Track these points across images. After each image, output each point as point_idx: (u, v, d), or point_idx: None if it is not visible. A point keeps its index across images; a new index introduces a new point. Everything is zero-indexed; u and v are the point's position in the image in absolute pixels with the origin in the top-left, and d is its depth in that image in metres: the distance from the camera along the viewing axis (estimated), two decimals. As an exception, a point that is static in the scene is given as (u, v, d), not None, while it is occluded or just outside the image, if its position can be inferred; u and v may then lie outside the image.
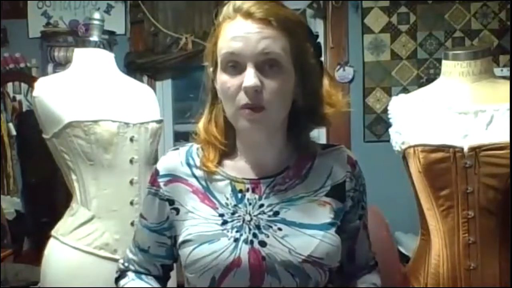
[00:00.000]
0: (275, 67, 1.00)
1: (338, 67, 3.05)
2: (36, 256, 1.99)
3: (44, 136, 1.71)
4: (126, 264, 1.20)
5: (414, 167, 1.44)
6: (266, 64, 0.99)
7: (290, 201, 1.05)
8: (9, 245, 3.00)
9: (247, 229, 1.02)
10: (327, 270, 1.03)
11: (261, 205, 1.05)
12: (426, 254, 1.47)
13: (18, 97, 3.38)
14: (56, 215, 1.79)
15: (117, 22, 3.22)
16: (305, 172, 1.09)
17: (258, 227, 1.02)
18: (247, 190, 1.06)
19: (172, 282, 1.25)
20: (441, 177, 1.39)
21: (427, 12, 2.99)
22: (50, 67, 3.23)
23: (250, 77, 0.97)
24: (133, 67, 3.08)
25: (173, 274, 1.25)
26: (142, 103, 1.85)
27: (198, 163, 1.10)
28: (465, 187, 1.38)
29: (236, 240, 1.01)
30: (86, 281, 1.64)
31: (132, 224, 1.69)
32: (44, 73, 3.13)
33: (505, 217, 1.38)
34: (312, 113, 1.08)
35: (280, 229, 1.02)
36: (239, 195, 1.06)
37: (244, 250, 1.00)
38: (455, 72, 1.50)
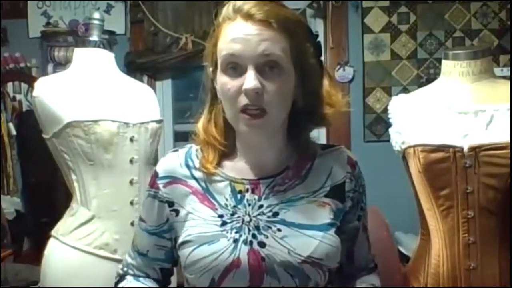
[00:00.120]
0: (275, 69, 0.99)
1: (338, 67, 3.05)
2: (36, 256, 1.99)
3: (44, 136, 1.71)
4: (125, 269, 1.19)
5: (414, 167, 1.44)
6: (266, 66, 0.99)
7: (289, 202, 1.05)
8: (9, 245, 3.00)
9: (246, 230, 1.02)
10: (327, 270, 1.02)
11: (261, 206, 1.05)
12: (426, 254, 1.47)
13: (18, 97, 3.38)
14: (56, 215, 1.79)
15: (117, 22, 3.22)
16: (304, 173, 1.09)
17: (257, 227, 1.02)
18: (247, 190, 1.06)
19: (172, 282, 1.24)
20: (441, 177, 1.39)
21: (427, 12, 2.99)
22: (50, 67, 3.23)
23: (250, 79, 0.97)
24: (133, 67, 3.08)
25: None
26: (142, 103, 1.85)
27: (197, 165, 1.09)
28: (465, 187, 1.38)
29: (236, 241, 1.01)
30: (86, 281, 1.64)
31: (132, 224, 1.69)
32: (44, 73, 3.13)
33: (505, 217, 1.38)
34: (312, 113, 1.08)
35: (279, 229, 1.02)
36: (239, 196, 1.06)
37: (243, 251, 1.00)
38: (455, 72, 1.50)
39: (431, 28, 2.99)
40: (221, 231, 1.02)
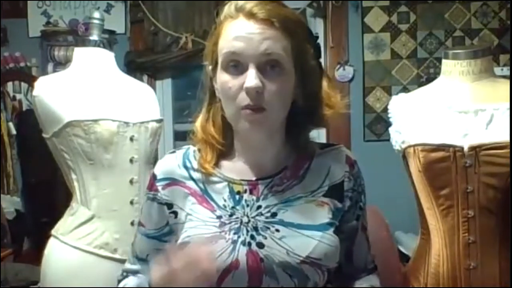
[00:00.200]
0: (276, 68, 1.00)
1: (338, 66, 3.05)
2: (36, 255, 1.99)
3: (44, 135, 1.71)
4: (124, 274, 1.18)
5: (414, 166, 1.44)
6: (267, 65, 0.99)
7: (287, 202, 1.05)
8: (9, 244, 3.00)
9: (244, 231, 1.02)
10: (326, 270, 1.02)
11: (259, 207, 1.05)
12: (426, 254, 1.47)
13: (18, 96, 3.38)
14: (56, 215, 1.79)
15: (117, 21, 3.22)
16: (302, 172, 1.09)
17: (255, 228, 1.02)
18: (245, 191, 1.06)
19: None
20: (441, 176, 1.39)
21: (427, 11, 2.99)
22: (50, 67, 3.23)
23: (252, 77, 0.97)
24: (133, 66, 3.08)
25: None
26: (142, 103, 1.85)
27: (195, 166, 1.09)
28: (465, 186, 1.38)
29: (234, 242, 1.01)
30: (86, 280, 1.64)
31: (132, 223, 1.69)
32: (44, 72, 3.12)
33: (505, 216, 1.38)
34: (311, 114, 1.08)
35: (277, 230, 1.02)
36: (237, 196, 1.06)
37: (242, 252, 1.00)
38: (455, 71, 1.50)
39: (431, 28, 2.99)
40: (220, 232, 1.02)
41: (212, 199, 1.06)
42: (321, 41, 3.06)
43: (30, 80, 2.95)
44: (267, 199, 1.05)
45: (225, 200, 1.06)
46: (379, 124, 3.01)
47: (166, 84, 3.31)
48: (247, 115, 0.99)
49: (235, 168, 1.09)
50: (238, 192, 1.06)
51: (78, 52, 1.82)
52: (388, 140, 1.56)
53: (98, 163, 1.68)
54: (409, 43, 3.01)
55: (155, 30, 3.14)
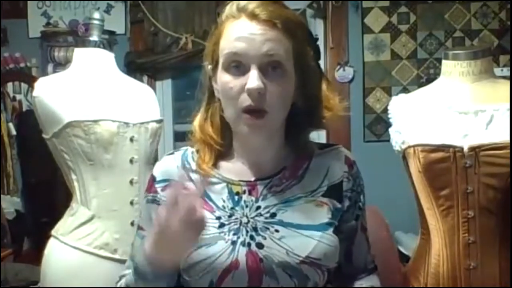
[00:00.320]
0: (278, 69, 1.00)
1: (338, 67, 3.05)
2: (36, 256, 1.99)
3: (44, 136, 1.71)
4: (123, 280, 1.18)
5: (414, 167, 1.44)
6: (269, 66, 0.99)
7: (287, 202, 1.05)
8: (9, 245, 3.01)
9: (244, 232, 1.02)
10: (325, 270, 1.02)
11: (258, 207, 1.05)
12: (426, 254, 1.47)
13: (18, 97, 3.38)
14: (56, 215, 1.79)
15: (117, 22, 3.22)
16: (301, 173, 1.09)
17: (255, 229, 1.02)
18: (244, 192, 1.06)
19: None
20: (441, 176, 1.39)
21: (427, 12, 2.99)
22: (50, 67, 3.23)
23: (254, 79, 0.97)
24: (133, 66, 3.08)
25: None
26: (142, 103, 1.85)
27: (194, 167, 1.09)
28: (465, 186, 1.38)
29: (234, 242, 1.01)
30: (86, 281, 1.64)
31: (132, 224, 1.69)
32: (44, 73, 3.13)
33: (505, 217, 1.38)
34: (311, 115, 1.08)
35: (277, 230, 1.02)
36: (236, 197, 1.06)
37: (241, 252, 1.00)
38: (455, 72, 1.50)
39: (431, 28, 2.99)
40: (219, 233, 1.02)
41: (211, 200, 1.06)
42: (321, 41, 3.06)
43: (30, 81, 2.95)
44: (266, 199, 1.05)
45: (224, 201, 1.06)
46: (379, 125, 3.01)
47: (166, 85, 3.31)
48: (248, 119, 0.99)
49: (234, 169, 1.09)
50: (237, 193, 1.06)
51: (78, 53, 1.82)
52: (388, 140, 1.56)
53: (98, 163, 1.68)
54: (409, 44, 3.01)
55: (155, 30, 3.14)
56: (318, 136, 2.70)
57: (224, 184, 1.07)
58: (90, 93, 1.73)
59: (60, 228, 1.71)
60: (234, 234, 1.02)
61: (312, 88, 1.07)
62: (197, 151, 1.11)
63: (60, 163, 1.73)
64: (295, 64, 1.02)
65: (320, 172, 1.09)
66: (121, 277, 1.15)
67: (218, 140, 1.07)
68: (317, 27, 3.08)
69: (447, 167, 1.38)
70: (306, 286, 1.01)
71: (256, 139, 1.04)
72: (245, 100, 0.98)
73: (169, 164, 1.11)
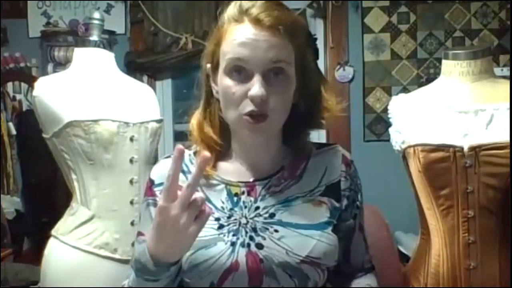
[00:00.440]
0: (280, 75, 0.99)
1: (338, 66, 3.05)
2: (36, 255, 1.99)
3: (44, 135, 1.71)
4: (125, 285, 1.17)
5: (414, 166, 1.44)
6: (271, 72, 0.98)
7: (285, 202, 1.05)
8: (9, 244, 3.01)
9: (243, 232, 1.02)
10: (325, 269, 1.03)
11: (257, 208, 1.05)
12: (426, 254, 1.47)
13: (18, 96, 3.38)
14: (56, 215, 1.78)
15: (117, 22, 3.22)
16: (299, 173, 1.09)
17: (254, 229, 1.02)
18: (243, 193, 1.06)
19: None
20: (441, 176, 1.39)
21: (427, 12, 2.99)
22: (50, 67, 3.23)
23: (258, 86, 0.96)
24: (133, 66, 3.08)
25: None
26: (142, 103, 1.85)
27: (192, 170, 1.08)
28: (465, 186, 1.38)
29: (233, 244, 1.01)
30: (86, 280, 1.64)
31: (132, 223, 1.70)
32: (44, 72, 3.13)
33: (505, 217, 1.38)
34: (310, 116, 1.08)
35: (276, 230, 1.02)
36: (235, 198, 1.06)
37: (241, 253, 1.00)
38: (455, 71, 1.50)
39: (431, 28, 2.99)
40: (218, 234, 1.02)
41: (210, 202, 1.05)
42: (321, 41, 3.06)
43: (30, 81, 2.95)
44: (265, 200, 1.05)
45: (223, 202, 1.06)
46: (379, 125, 3.01)
47: (166, 85, 3.31)
48: (249, 123, 0.98)
49: (232, 170, 1.08)
50: (236, 194, 1.06)
51: (78, 53, 1.82)
52: (388, 140, 1.56)
53: (98, 163, 1.68)
54: (409, 44, 3.01)
55: (155, 30, 3.14)
56: (318, 136, 2.71)
57: (223, 186, 1.07)
58: (90, 92, 1.72)
59: (60, 228, 1.71)
60: (233, 235, 1.02)
61: (311, 88, 1.07)
62: (195, 153, 1.10)
63: (60, 163, 1.73)
64: (296, 66, 1.02)
65: (318, 171, 1.09)
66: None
67: (217, 140, 1.07)
68: (317, 27, 3.08)
69: (447, 166, 1.38)
70: (306, 285, 1.01)
71: (256, 140, 1.04)
72: (248, 105, 0.98)
73: (166, 167, 1.10)
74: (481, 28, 2.95)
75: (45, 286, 1.70)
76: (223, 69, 1.01)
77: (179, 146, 0.88)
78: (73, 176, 1.70)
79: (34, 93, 1.68)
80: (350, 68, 3.05)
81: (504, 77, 1.76)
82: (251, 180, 1.07)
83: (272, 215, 1.04)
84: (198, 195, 0.87)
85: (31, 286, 2.50)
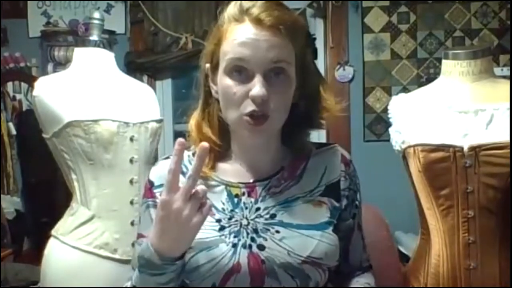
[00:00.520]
0: (281, 75, 0.99)
1: (338, 66, 3.05)
2: (36, 255, 1.99)
3: (44, 135, 1.71)
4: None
5: (414, 166, 1.44)
6: (272, 72, 0.98)
7: (286, 203, 1.05)
8: (9, 244, 3.00)
9: (244, 234, 1.02)
10: (326, 269, 1.03)
11: (258, 209, 1.04)
12: (426, 254, 1.47)
13: (18, 96, 3.38)
14: (56, 215, 1.78)
15: (117, 22, 3.22)
16: (299, 173, 1.09)
17: (255, 230, 1.02)
18: (243, 194, 1.06)
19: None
20: (441, 176, 1.39)
21: (427, 12, 2.99)
22: (50, 67, 3.22)
23: (259, 86, 0.96)
24: (133, 66, 3.08)
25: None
26: (142, 103, 1.85)
27: (191, 171, 1.08)
28: (465, 186, 1.38)
29: (235, 245, 1.00)
30: (86, 280, 1.64)
31: (132, 223, 1.69)
32: (44, 72, 3.12)
33: (505, 217, 1.38)
34: (309, 115, 1.08)
35: (277, 231, 1.02)
36: (235, 199, 1.05)
37: (243, 255, 1.00)
38: (455, 71, 1.50)
39: (431, 28, 2.99)
40: (220, 236, 1.01)
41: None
42: (321, 41, 3.06)
43: (30, 80, 2.95)
44: (265, 200, 1.05)
45: (223, 204, 1.05)
46: (379, 125, 3.01)
47: (166, 85, 3.31)
48: (250, 123, 0.98)
49: (232, 171, 1.08)
50: (236, 195, 1.06)
51: (78, 52, 1.82)
52: (388, 140, 1.56)
53: (98, 163, 1.68)
54: (409, 43, 3.01)
55: (155, 30, 3.14)
56: (318, 136, 2.71)
57: (223, 187, 1.07)
58: (90, 92, 1.72)
59: (60, 228, 1.71)
60: (235, 237, 1.01)
61: (311, 88, 1.07)
62: (193, 154, 1.10)
63: (60, 163, 1.73)
64: (296, 66, 1.02)
65: (317, 171, 1.09)
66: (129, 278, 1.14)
67: (216, 141, 1.07)
68: (317, 27, 3.08)
69: (447, 166, 1.38)
70: (308, 286, 1.01)
71: (256, 141, 1.04)
72: (249, 106, 0.97)
73: (166, 168, 1.10)
74: (481, 28, 2.95)
75: (45, 286, 1.70)
76: (223, 69, 1.00)
77: (180, 139, 0.88)
78: (73, 176, 1.70)
79: (34, 93, 1.68)
80: (350, 68, 3.04)
81: (504, 77, 1.76)
82: (251, 181, 1.07)
83: (273, 216, 1.04)
84: (199, 186, 0.88)
85: (31, 286, 2.50)
